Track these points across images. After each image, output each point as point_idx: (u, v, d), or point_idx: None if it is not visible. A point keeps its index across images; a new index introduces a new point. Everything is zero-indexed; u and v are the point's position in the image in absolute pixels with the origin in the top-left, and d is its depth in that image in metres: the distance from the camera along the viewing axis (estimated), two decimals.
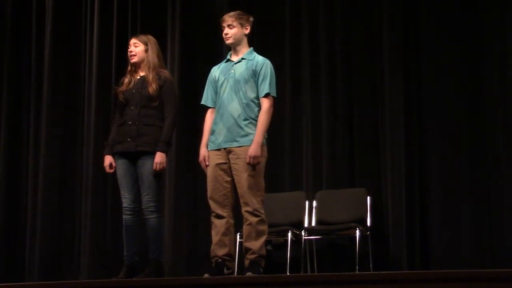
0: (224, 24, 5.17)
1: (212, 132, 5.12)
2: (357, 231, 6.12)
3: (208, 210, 5.13)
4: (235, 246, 5.23)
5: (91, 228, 7.17)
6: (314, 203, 6.57)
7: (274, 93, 5.11)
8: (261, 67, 5.09)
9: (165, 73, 5.51)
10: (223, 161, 5.05)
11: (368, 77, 6.80)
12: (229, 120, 5.04)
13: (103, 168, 5.54)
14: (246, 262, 4.96)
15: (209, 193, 5.07)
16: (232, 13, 5.22)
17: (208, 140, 5.14)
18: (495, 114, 6.37)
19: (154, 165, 5.27)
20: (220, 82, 5.17)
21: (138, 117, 5.36)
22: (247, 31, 5.19)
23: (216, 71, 5.25)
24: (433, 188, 6.44)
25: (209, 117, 5.21)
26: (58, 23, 7.73)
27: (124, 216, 5.37)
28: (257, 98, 5.08)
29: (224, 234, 5.00)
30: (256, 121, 5.03)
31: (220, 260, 4.99)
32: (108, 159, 5.47)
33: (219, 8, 7.09)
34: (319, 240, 6.47)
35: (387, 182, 6.51)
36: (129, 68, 5.55)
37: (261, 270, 4.94)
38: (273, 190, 6.45)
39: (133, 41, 5.54)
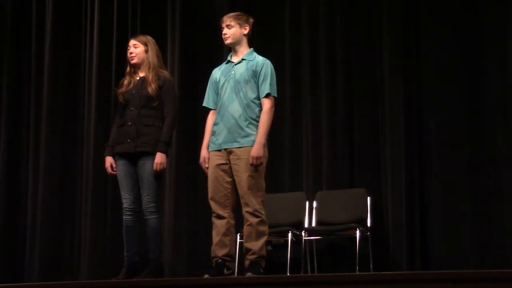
0: (223, 25, 5.18)
1: (213, 133, 5.12)
2: (357, 232, 6.12)
3: (208, 211, 5.13)
4: (236, 246, 5.23)
5: (91, 229, 7.17)
6: (314, 204, 6.57)
7: (275, 93, 5.11)
8: (262, 68, 5.09)
9: (165, 73, 5.51)
10: (224, 162, 5.05)
11: (368, 77, 6.80)
12: (230, 121, 5.04)
13: (103, 168, 5.54)
14: (247, 263, 4.96)
15: (210, 194, 5.07)
16: (230, 14, 5.23)
17: (209, 141, 5.14)
18: (495, 114, 6.37)
19: (154, 165, 5.27)
20: (221, 83, 5.17)
21: (138, 118, 5.36)
22: (246, 31, 5.18)
23: (217, 73, 5.26)
24: (433, 188, 6.44)
25: (210, 118, 5.21)
26: (58, 23, 7.73)
27: (124, 217, 5.37)
28: (258, 98, 5.08)
29: (225, 234, 5.00)
30: (257, 121, 5.03)
31: (220, 260, 4.99)
32: (108, 160, 5.47)
33: (219, 8, 7.09)
34: (319, 241, 6.47)
35: (387, 183, 6.51)
36: (128, 69, 5.55)
37: (262, 271, 4.94)
38: (273, 190, 6.45)
39: (132, 42, 5.53)
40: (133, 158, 5.35)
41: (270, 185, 5.51)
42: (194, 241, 6.91)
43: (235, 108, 5.05)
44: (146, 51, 5.47)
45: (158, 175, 5.34)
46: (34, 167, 7.56)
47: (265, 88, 5.06)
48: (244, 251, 5.01)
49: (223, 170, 5.04)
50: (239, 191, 4.99)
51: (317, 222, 6.51)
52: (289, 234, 6.20)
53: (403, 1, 6.73)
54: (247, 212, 4.95)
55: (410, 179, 6.45)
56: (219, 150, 5.07)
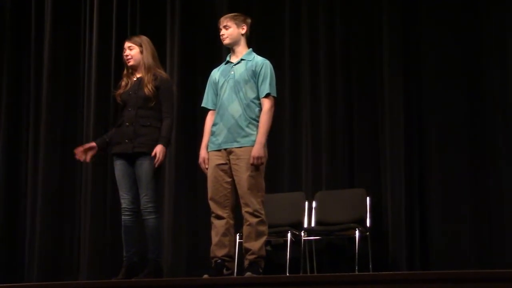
0: (220, 26, 5.18)
1: (212, 133, 5.12)
2: (357, 232, 6.12)
3: (207, 211, 5.13)
4: (235, 246, 5.22)
5: (90, 229, 7.17)
6: (314, 204, 6.57)
7: (274, 93, 5.10)
8: (261, 68, 5.09)
9: (162, 73, 5.48)
10: (224, 162, 5.05)
11: (368, 77, 6.80)
12: (230, 121, 5.04)
13: (102, 169, 5.53)
14: (246, 263, 4.95)
15: (209, 194, 5.07)
16: (227, 15, 5.25)
17: (209, 142, 5.14)
18: (495, 114, 6.36)
19: (154, 153, 5.23)
20: (220, 83, 5.17)
21: (135, 118, 5.35)
22: (243, 31, 5.18)
23: (216, 74, 5.25)
24: (433, 188, 6.44)
25: (209, 119, 5.21)
26: (58, 23, 7.73)
27: (123, 217, 5.37)
28: (257, 98, 5.07)
29: (224, 234, 4.99)
30: (257, 121, 5.03)
31: (219, 260, 4.98)
32: (91, 144, 5.50)
33: (219, 9, 7.09)
34: (319, 241, 6.47)
35: (386, 183, 6.51)
36: (125, 71, 5.54)
37: (261, 271, 4.94)
38: (273, 190, 6.45)
39: (127, 44, 5.51)
40: (131, 159, 5.35)
41: (269, 185, 5.50)
42: (194, 241, 6.91)
43: (235, 108, 5.05)
44: (141, 52, 5.45)
45: (157, 171, 5.31)
46: (33, 167, 7.56)
47: (265, 88, 5.05)
48: (243, 251, 5.01)
49: (222, 170, 5.04)
50: (239, 191, 4.99)
51: (317, 222, 6.50)
52: (289, 234, 6.20)
53: (403, 1, 6.72)
54: (247, 212, 4.94)
55: (409, 179, 6.45)
56: (219, 150, 5.07)
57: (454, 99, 6.50)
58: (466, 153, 6.41)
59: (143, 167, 5.29)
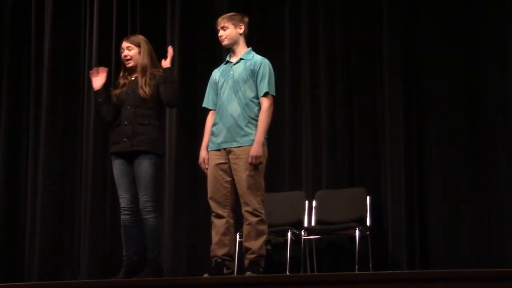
0: (218, 27, 5.18)
1: (212, 133, 5.12)
2: (357, 231, 6.12)
3: (207, 210, 5.13)
4: (235, 246, 5.22)
5: (90, 228, 7.16)
6: (314, 203, 6.57)
7: (273, 92, 5.10)
8: (259, 67, 5.09)
9: (160, 71, 5.45)
10: (223, 161, 5.05)
11: (368, 77, 6.80)
12: (229, 120, 5.04)
13: (102, 168, 5.52)
14: (246, 262, 4.95)
15: (209, 193, 5.07)
16: (224, 15, 5.24)
17: (209, 141, 5.14)
18: (495, 114, 6.37)
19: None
20: (220, 83, 5.17)
21: (134, 117, 5.34)
22: (241, 30, 5.18)
23: (216, 74, 5.25)
24: (433, 188, 6.44)
25: (209, 119, 5.21)
26: (58, 22, 7.73)
27: (122, 216, 5.37)
28: (257, 97, 5.07)
29: (224, 234, 4.99)
30: (256, 120, 5.03)
31: (219, 260, 4.98)
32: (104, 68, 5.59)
33: (219, 8, 7.09)
34: (319, 240, 6.47)
35: (386, 182, 6.51)
36: (121, 72, 5.53)
37: (261, 270, 4.93)
38: (273, 190, 6.46)
39: (125, 44, 5.49)
40: (129, 158, 5.34)
41: (269, 184, 5.51)
42: (194, 241, 6.91)
43: (234, 108, 5.05)
44: (140, 52, 5.45)
45: (156, 170, 5.31)
46: (33, 167, 7.54)
47: (263, 87, 5.05)
48: (243, 250, 5.01)
49: (222, 170, 5.04)
50: (239, 191, 4.99)
51: (317, 222, 6.51)
52: (289, 234, 6.20)
53: (403, 1, 6.73)
54: (247, 211, 4.94)
55: (409, 178, 6.45)
56: (219, 150, 5.07)
57: (454, 99, 6.50)
58: (466, 153, 6.41)
59: (142, 166, 5.29)
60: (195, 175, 6.70)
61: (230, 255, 5.03)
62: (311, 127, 6.85)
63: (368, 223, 6.33)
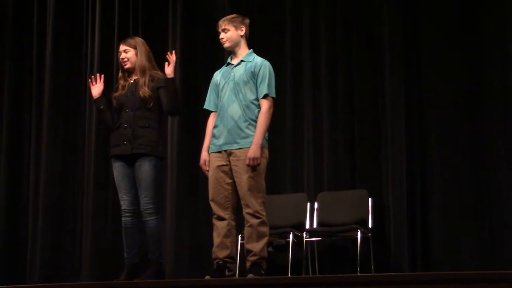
0: (219, 30, 5.18)
1: (214, 135, 5.12)
2: (359, 233, 6.12)
3: (209, 212, 5.12)
4: (237, 248, 5.21)
5: (92, 230, 7.17)
6: (316, 205, 6.57)
7: (273, 94, 5.09)
8: (260, 68, 5.08)
9: (159, 73, 5.45)
10: (224, 163, 5.04)
11: (369, 78, 6.80)
12: (230, 122, 5.04)
13: (104, 169, 5.52)
14: (248, 264, 4.95)
15: (210, 195, 5.07)
16: (225, 18, 5.23)
17: (210, 143, 5.14)
18: (495, 114, 6.37)
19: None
20: (221, 85, 5.17)
21: (133, 120, 5.33)
22: (242, 32, 5.17)
23: (217, 76, 5.25)
24: (434, 189, 6.44)
25: (211, 121, 5.20)
26: (60, 23, 7.74)
27: (123, 218, 5.36)
28: (257, 99, 5.06)
29: (226, 236, 4.99)
30: (257, 122, 5.02)
31: (221, 262, 4.98)
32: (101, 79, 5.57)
33: (221, 10, 7.10)
34: (321, 242, 6.47)
35: (388, 184, 6.51)
36: (120, 74, 5.53)
37: (263, 272, 4.93)
38: (275, 191, 6.46)
39: (122, 47, 5.48)
40: (130, 160, 5.34)
41: (271, 186, 5.51)
42: (195, 243, 6.90)
43: (234, 110, 5.05)
44: (137, 54, 5.44)
45: (157, 172, 5.31)
46: (35, 170, 7.55)
47: (263, 89, 5.05)
48: (245, 252, 5.01)
49: (223, 172, 5.04)
50: (239, 192, 4.98)
51: (318, 223, 6.51)
52: (290, 235, 6.20)
53: (404, 1, 6.73)
54: (248, 213, 4.94)
55: (411, 180, 6.44)
56: (219, 152, 5.07)
57: (455, 100, 6.50)
58: (468, 154, 6.41)
59: (142, 169, 5.28)
60: (196, 177, 6.70)
61: (232, 257, 5.03)
62: (313, 128, 6.85)
63: (369, 225, 6.33)
